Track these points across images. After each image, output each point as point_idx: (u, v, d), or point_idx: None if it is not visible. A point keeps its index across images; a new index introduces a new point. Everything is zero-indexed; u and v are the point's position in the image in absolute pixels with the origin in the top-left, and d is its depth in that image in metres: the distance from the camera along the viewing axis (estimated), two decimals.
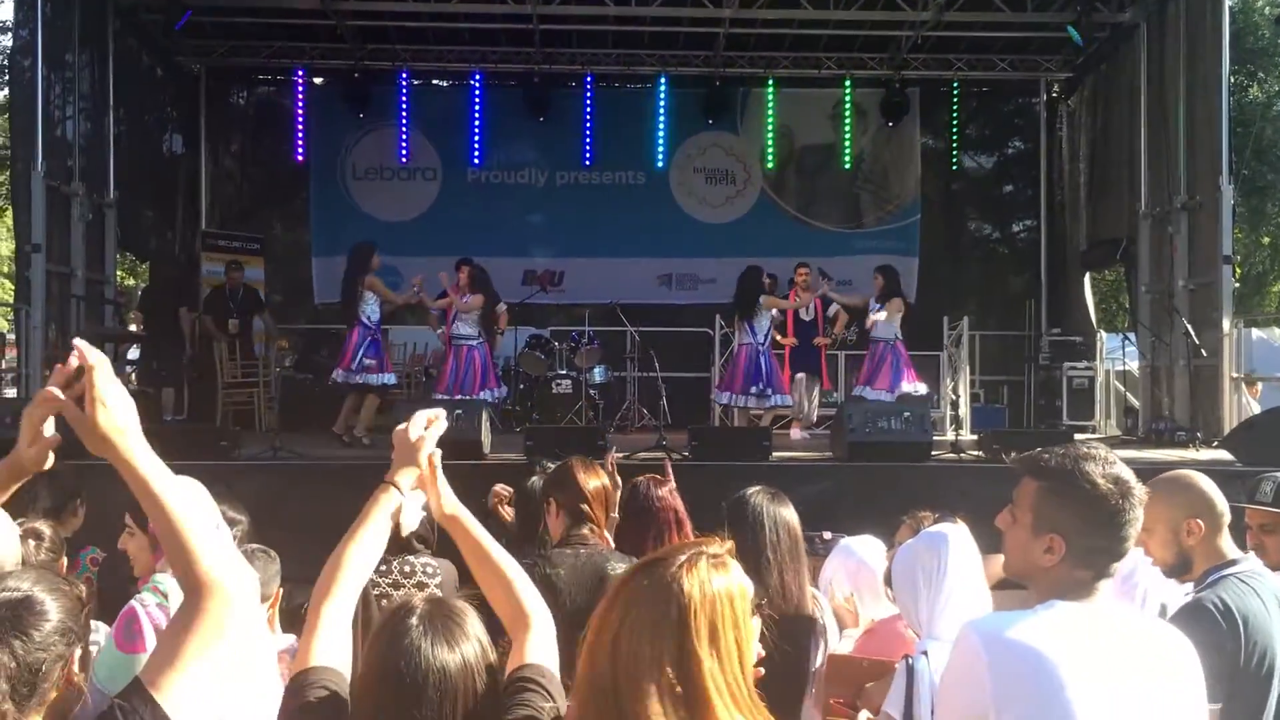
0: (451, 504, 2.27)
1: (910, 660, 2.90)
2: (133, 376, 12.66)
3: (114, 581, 3.87)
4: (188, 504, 1.83)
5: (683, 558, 1.74)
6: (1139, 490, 2.18)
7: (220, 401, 11.75)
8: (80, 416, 1.78)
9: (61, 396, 1.82)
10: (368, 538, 2.16)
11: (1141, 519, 2.19)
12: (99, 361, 1.79)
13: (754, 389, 10.63)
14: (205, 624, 1.77)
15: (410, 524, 2.21)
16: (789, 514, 3.29)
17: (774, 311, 10.99)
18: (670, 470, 4.81)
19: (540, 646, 2.09)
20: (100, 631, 2.78)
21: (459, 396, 9.89)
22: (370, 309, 10.06)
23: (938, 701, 2.48)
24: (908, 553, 3.10)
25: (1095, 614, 2.15)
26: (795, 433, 11.26)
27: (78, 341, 1.83)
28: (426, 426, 2.25)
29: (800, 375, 11.45)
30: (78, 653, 1.90)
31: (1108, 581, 2.19)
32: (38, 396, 1.88)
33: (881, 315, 10.99)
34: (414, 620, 1.92)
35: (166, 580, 2.69)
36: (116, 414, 1.79)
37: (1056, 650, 2.06)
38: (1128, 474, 2.19)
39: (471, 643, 1.93)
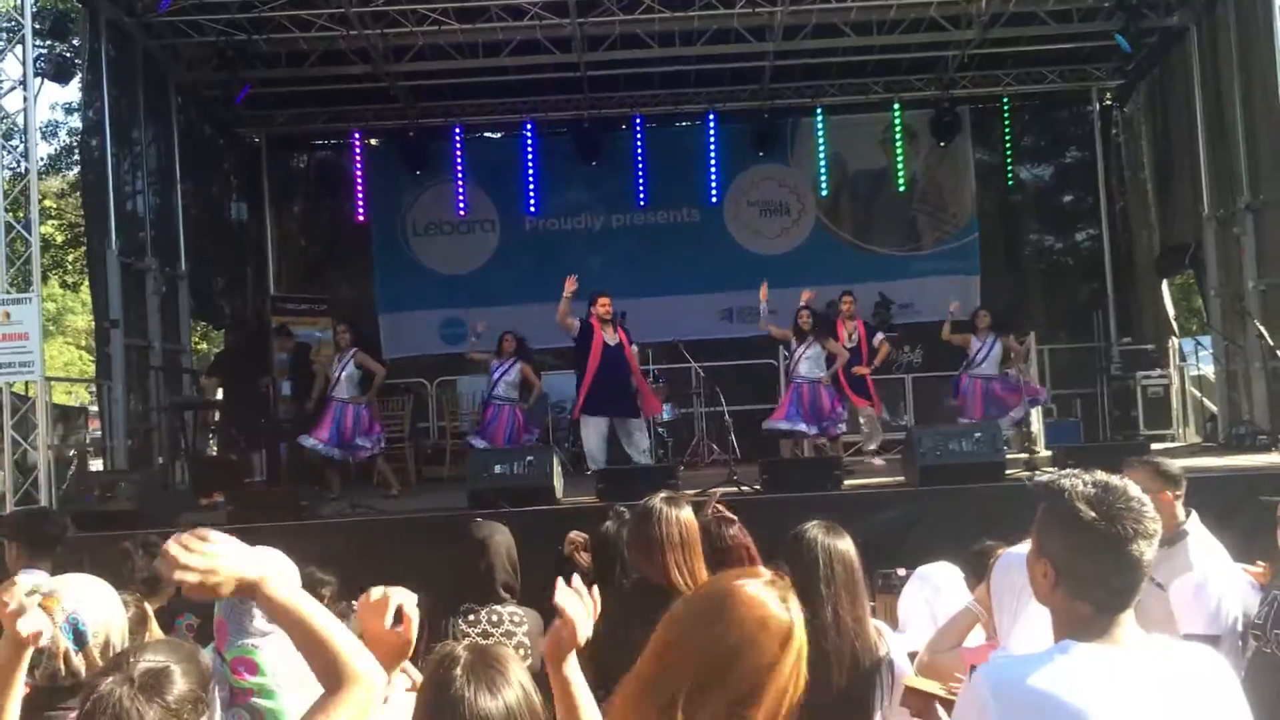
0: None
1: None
2: (213, 443, 12.95)
3: (207, 645, 3.98)
4: (324, 614, 1.93)
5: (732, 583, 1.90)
6: (1136, 520, 2.02)
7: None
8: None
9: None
10: None
11: (1149, 553, 2.02)
12: (187, 548, 1.85)
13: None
14: (343, 713, 1.87)
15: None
16: (845, 546, 3.26)
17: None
18: (716, 505, 4.81)
19: None
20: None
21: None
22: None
23: None
24: (1009, 561, 3.08)
25: (1113, 657, 1.99)
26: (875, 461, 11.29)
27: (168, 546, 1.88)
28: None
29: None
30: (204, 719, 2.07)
31: (1124, 618, 2.04)
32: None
33: (997, 352, 11.33)
34: (458, 670, 1.99)
35: None
36: (228, 567, 1.86)
37: (1070, 696, 1.94)
38: (1123, 500, 2.03)
39: (514, 688, 1.99)
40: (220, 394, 12.46)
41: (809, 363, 10.96)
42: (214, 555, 1.85)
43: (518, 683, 2.01)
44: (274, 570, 1.90)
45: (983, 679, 2.06)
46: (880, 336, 11.79)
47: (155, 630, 3.91)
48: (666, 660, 1.86)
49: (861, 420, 11.64)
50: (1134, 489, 2.07)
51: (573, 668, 2.18)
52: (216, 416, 12.94)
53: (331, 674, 1.88)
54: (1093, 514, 2.01)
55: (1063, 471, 2.13)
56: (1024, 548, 3.13)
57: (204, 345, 20.74)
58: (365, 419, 10.55)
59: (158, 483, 10.34)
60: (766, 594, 1.89)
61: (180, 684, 2.03)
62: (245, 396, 12.05)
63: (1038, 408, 12.01)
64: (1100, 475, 2.09)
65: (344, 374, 10.53)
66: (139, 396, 11.67)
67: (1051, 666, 1.99)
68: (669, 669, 1.85)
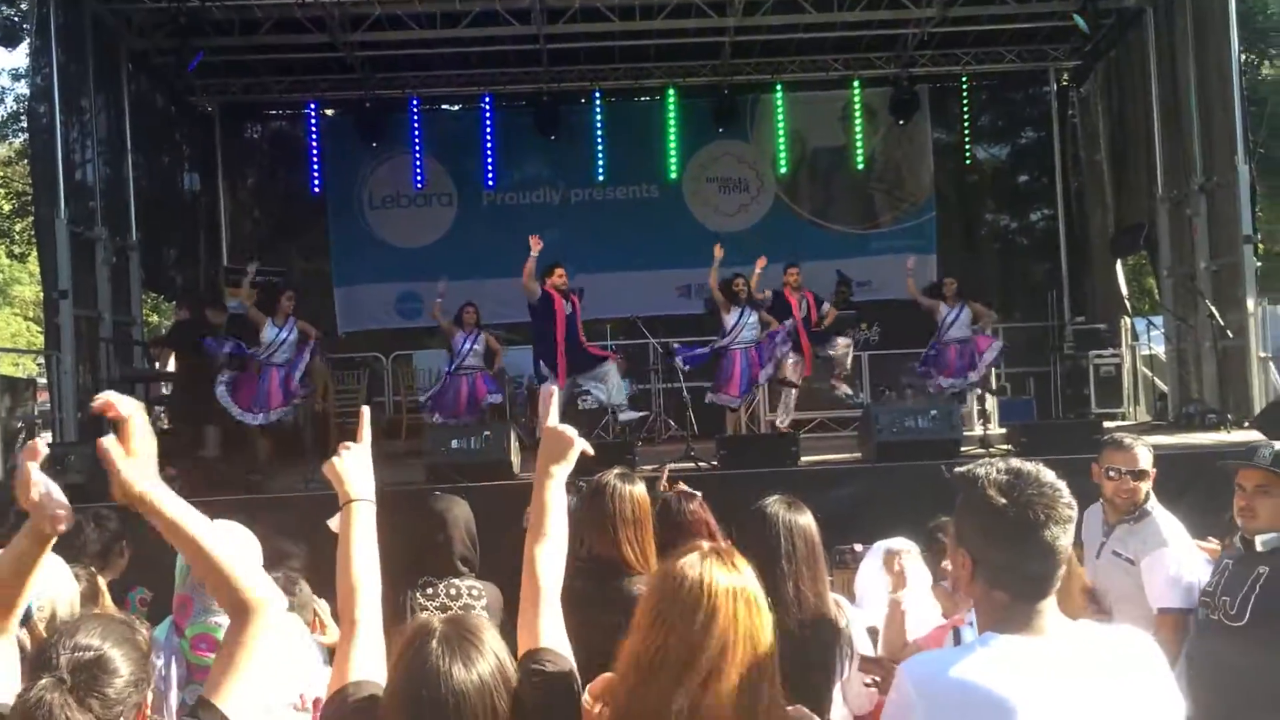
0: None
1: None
2: (162, 416, 12.76)
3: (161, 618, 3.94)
4: (218, 538, 1.95)
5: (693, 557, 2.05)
6: (1048, 506, 1.98)
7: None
8: (117, 468, 1.87)
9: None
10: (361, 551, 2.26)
11: (1063, 538, 1.99)
12: (134, 410, 1.88)
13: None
14: (254, 638, 1.95)
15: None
16: (806, 522, 3.27)
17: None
18: (665, 480, 4.83)
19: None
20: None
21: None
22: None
23: None
24: None
25: (1035, 647, 1.97)
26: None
27: (109, 395, 1.89)
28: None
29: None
30: (149, 696, 2.00)
31: (1045, 605, 2.01)
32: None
33: (966, 316, 11.21)
34: (434, 643, 1.96)
35: None
36: (143, 466, 1.88)
37: (994, 687, 1.91)
38: (1035, 486, 2.00)
39: (488, 659, 1.97)
40: (172, 365, 12.28)
41: (751, 330, 10.95)
42: (130, 464, 1.87)
43: (492, 652, 1.99)
44: (164, 491, 1.90)
45: (906, 677, 2.03)
46: (827, 305, 11.84)
47: (108, 604, 3.87)
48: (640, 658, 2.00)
49: (832, 352, 11.62)
50: (1047, 474, 2.03)
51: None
52: (168, 389, 12.75)
53: (231, 597, 1.95)
54: (1004, 500, 1.98)
55: (979, 460, 2.11)
56: None
57: (155, 317, 20.45)
58: (292, 379, 10.36)
59: None
60: (691, 563, 2.03)
61: (117, 669, 1.99)
62: (196, 368, 11.86)
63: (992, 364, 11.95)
64: (1015, 462, 2.06)
65: (287, 340, 10.41)
66: (88, 368, 11.48)
67: (972, 659, 1.97)
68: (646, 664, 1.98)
